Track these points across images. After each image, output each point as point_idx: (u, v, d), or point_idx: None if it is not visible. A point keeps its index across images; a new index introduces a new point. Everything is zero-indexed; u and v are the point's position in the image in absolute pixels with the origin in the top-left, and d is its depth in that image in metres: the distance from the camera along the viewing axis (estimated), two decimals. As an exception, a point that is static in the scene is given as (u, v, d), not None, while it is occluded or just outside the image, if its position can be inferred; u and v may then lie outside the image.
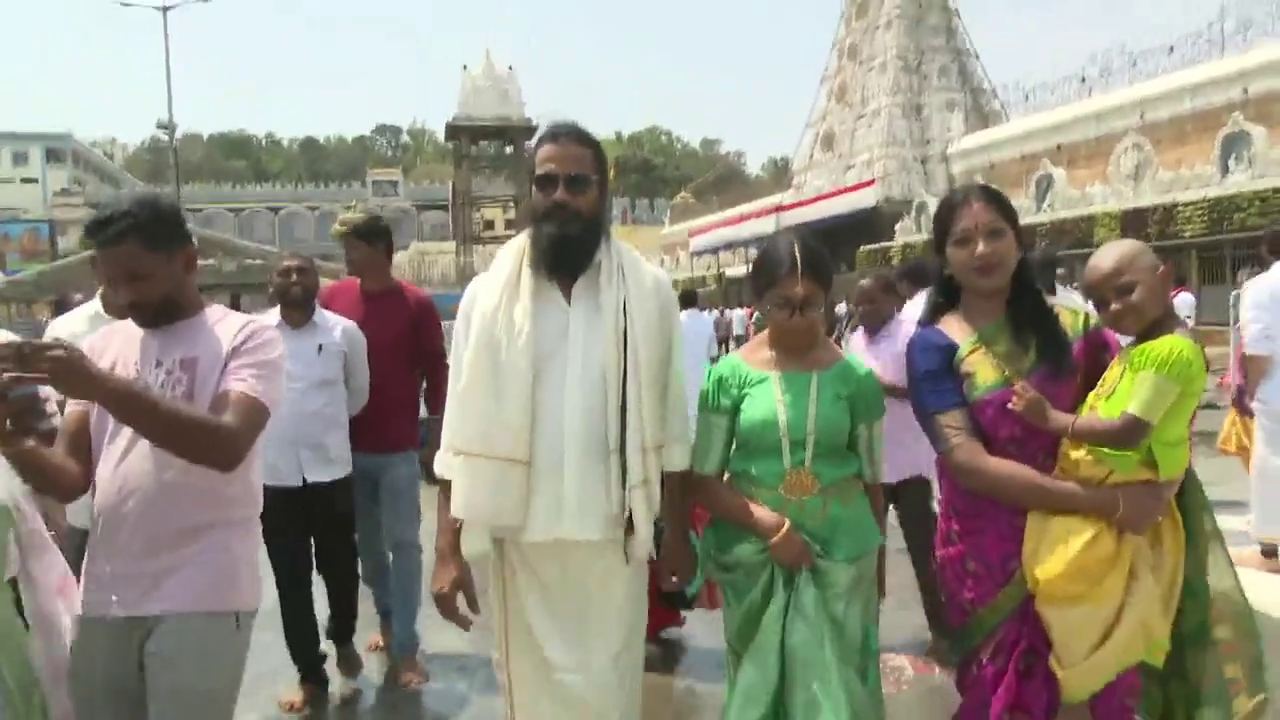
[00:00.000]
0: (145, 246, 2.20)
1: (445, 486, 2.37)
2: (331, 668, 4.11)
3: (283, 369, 2.36)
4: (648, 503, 2.29)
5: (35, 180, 68.58)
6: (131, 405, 2.04)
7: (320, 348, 3.91)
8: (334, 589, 4.16)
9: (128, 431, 2.20)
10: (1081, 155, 24.80)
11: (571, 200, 2.28)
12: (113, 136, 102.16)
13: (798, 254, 2.32)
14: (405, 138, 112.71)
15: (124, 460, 2.22)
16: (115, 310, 3.14)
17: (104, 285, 3.07)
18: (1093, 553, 2.05)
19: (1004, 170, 27.03)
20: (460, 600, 2.38)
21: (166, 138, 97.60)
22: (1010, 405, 2.11)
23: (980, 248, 2.17)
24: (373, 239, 4.28)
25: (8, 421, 1.99)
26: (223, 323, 2.34)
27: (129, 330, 2.34)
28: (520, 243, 2.37)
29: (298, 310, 3.89)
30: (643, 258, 2.46)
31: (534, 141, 2.41)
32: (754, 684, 2.30)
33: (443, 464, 2.38)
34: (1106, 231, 19.54)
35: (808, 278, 2.31)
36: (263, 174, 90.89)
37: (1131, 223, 18.71)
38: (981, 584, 2.22)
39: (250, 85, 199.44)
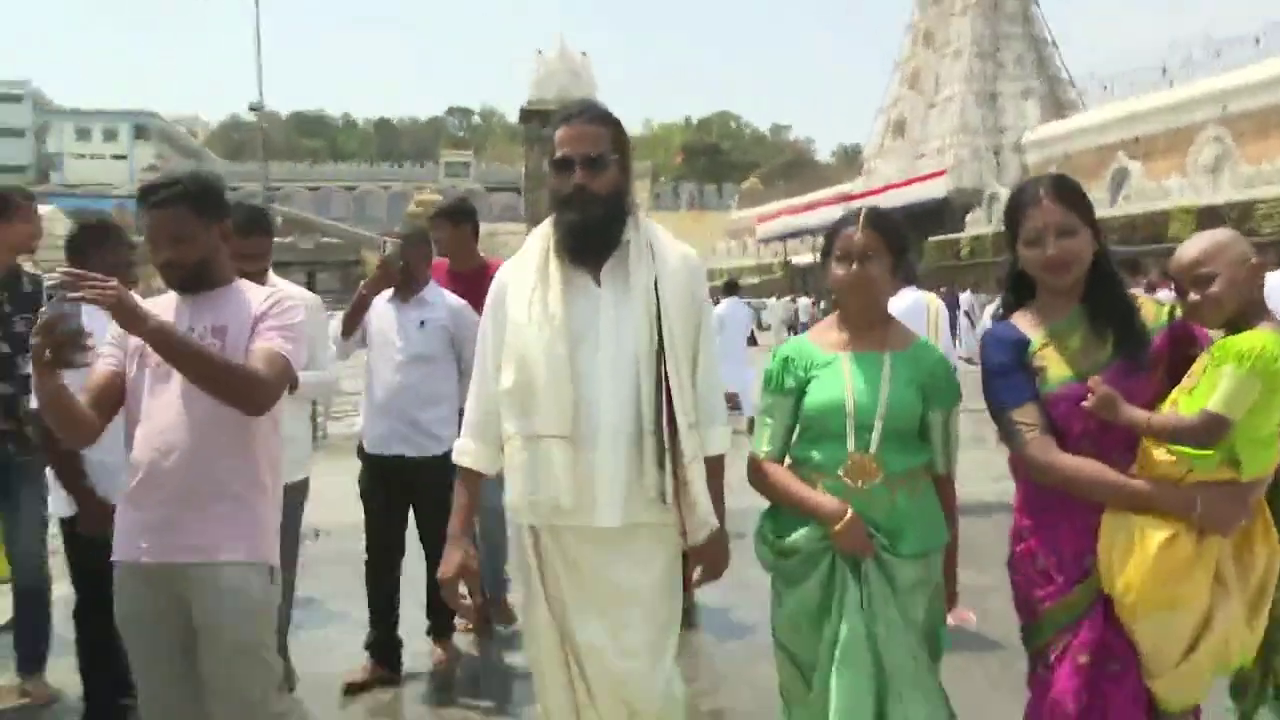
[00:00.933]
0: (191, 211, 2.36)
1: (463, 473, 2.42)
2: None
3: (305, 333, 2.51)
4: (701, 479, 2.26)
5: (124, 157, 71.27)
6: (172, 341, 2.20)
7: (422, 323, 4.00)
8: (429, 571, 4.02)
9: (168, 394, 2.34)
10: (1159, 148, 24.37)
11: (590, 182, 2.24)
12: (195, 114, 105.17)
13: (863, 211, 2.30)
14: (476, 119, 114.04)
15: (163, 419, 2.34)
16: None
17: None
18: (1171, 554, 1.96)
19: (1080, 161, 26.66)
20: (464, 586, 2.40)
21: (246, 116, 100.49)
22: (1084, 403, 2.05)
23: (1050, 250, 2.11)
24: (458, 219, 4.45)
25: (48, 351, 2.08)
26: (251, 292, 2.48)
27: (164, 301, 2.46)
28: (546, 229, 2.35)
29: (404, 285, 4.03)
30: (670, 235, 2.42)
31: (551, 125, 2.36)
32: (858, 697, 2.19)
33: (459, 451, 2.42)
34: (1181, 227, 19.25)
35: (868, 229, 2.25)
36: (339, 153, 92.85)
37: (1207, 219, 18.42)
38: (1053, 581, 2.15)
39: (328, 67, 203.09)
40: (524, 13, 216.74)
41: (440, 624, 4.21)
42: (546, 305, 2.24)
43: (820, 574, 2.26)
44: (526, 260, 2.33)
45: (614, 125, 2.31)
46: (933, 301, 6.70)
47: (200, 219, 2.37)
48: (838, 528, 2.21)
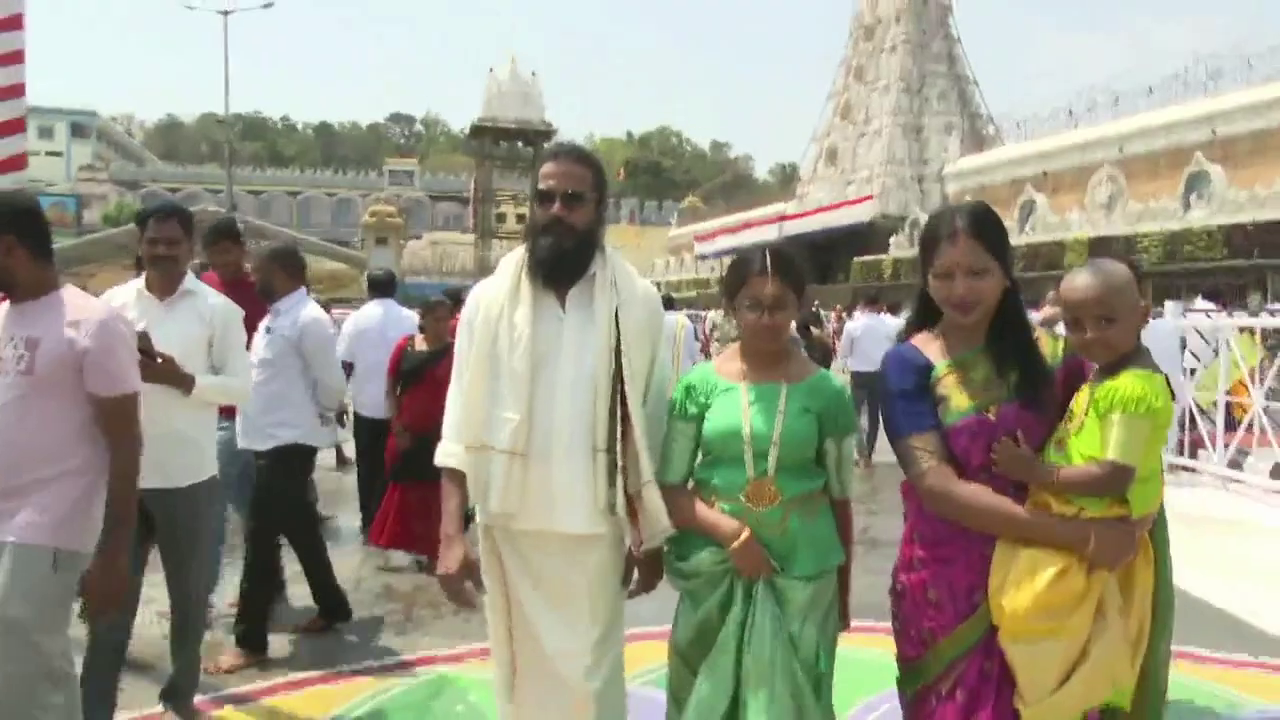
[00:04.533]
0: None
1: (448, 473, 2.51)
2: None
3: (125, 352, 2.66)
4: (658, 496, 2.41)
5: (60, 154, 70.32)
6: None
7: (268, 330, 4.37)
8: (246, 561, 4.35)
9: None
10: (1065, 183, 26.53)
11: (567, 215, 2.41)
12: (130, 113, 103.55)
13: (769, 257, 2.36)
14: (419, 127, 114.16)
15: None
16: (156, 289, 3.44)
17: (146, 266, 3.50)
18: (1061, 587, 1.99)
19: (994, 193, 28.68)
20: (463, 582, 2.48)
21: (183, 117, 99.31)
22: (992, 456, 2.06)
23: (959, 288, 2.11)
24: (239, 237, 4.93)
25: None
26: (72, 307, 2.60)
27: (3, 308, 2.65)
28: (520, 253, 2.52)
29: (263, 298, 4.48)
30: (634, 270, 2.59)
31: (540, 160, 2.55)
32: (710, 701, 2.29)
33: (443, 453, 2.52)
34: (1075, 256, 21.35)
35: (777, 279, 2.33)
36: (278, 157, 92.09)
37: (1098, 249, 20.47)
38: (943, 614, 2.14)
39: (266, 69, 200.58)
40: (467, 22, 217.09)
41: (249, 632, 4.20)
42: (514, 325, 2.41)
43: (719, 594, 2.35)
44: (500, 281, 2.51)
45: (596, 168, 2.51)
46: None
47: None
48: (734, 546, 2.30)
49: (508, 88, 33.46)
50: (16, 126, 4.76)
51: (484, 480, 2.40)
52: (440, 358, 5.59)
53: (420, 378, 5.68)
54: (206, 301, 3.49)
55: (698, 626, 2.38)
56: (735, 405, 2.38)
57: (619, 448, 2.38)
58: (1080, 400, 2.07)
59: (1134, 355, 2.06)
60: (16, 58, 4.76)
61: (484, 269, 31.55)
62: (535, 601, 2.44)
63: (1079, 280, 2.08)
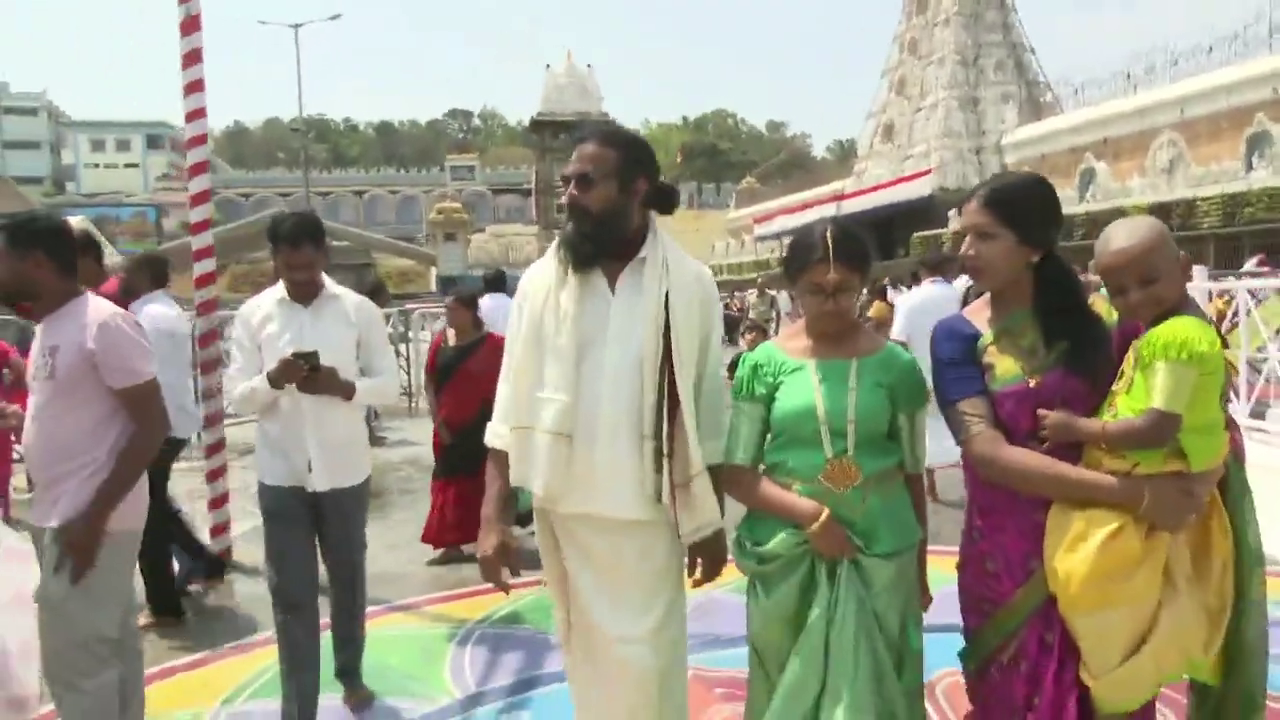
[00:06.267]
0: (4, 245, 2.83)
1: (494, 455, 2.53)
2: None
3: (133, 343, 2.87)
4: (707, 488, 2.38)
5: (137, 166, 73.06)
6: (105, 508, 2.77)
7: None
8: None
9: (34, 399, 2.88)
10: (1125, 149, 26.27)
11: (579, 197, 2.39)
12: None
13: (830, 241, 2.27)
14: (476, 121, 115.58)
15: (31, 419, 2.90)
16: (297, 294, 3.49)
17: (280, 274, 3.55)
18: (1115, 548, 1.93)
19: (1054, 161, 28.53)
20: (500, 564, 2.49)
21: (249, 124, 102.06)
22: (1041, 433, 2.06)
23: (964, 249, 2.18)
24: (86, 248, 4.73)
25: None
26: (86, 314, 2.85)
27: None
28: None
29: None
30: (685, 253, 2.54)
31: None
32: (801, 679, 2.24)
33: (492, 434, 2.55)
34: (1135, 223, 21.37)
35: (839, 264, 2.26)
36: (342, 158, 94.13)
37: (1157, 215, 20.26)
38: (1001, 584, 2.15)
39: (327, 73, 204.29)
40: (519, 15, 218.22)
41: (157, 598, 4.74)
42: (560, 306, 2.40)
43: (799, 577, 2.30)
44: (547, 264, 2.50)
45: (619, 147, 2.42)
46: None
47: (11, 251, 2.84)
48: (814, 528, 2.24)
49: (565, 81, 34.28)
50: (204, 198, 5.74)
51: (528, 463, 2.41)
52: (468, 353, 5.83)
53: (452, 373, 5.92)
54: (350, 302, 3.56)
55: (772, 611, 2.33)
56: (805, 384, 2.33)
57: (666, 434, 2.34)
58: (1129, 359, 2.04)
59: (1182, 306, 2.02)
60: (201, 140, 5.71)
61: (548, 260, 32.32)
62: (588, 583, 2.44)
63: (1112, 245, 2.03)
